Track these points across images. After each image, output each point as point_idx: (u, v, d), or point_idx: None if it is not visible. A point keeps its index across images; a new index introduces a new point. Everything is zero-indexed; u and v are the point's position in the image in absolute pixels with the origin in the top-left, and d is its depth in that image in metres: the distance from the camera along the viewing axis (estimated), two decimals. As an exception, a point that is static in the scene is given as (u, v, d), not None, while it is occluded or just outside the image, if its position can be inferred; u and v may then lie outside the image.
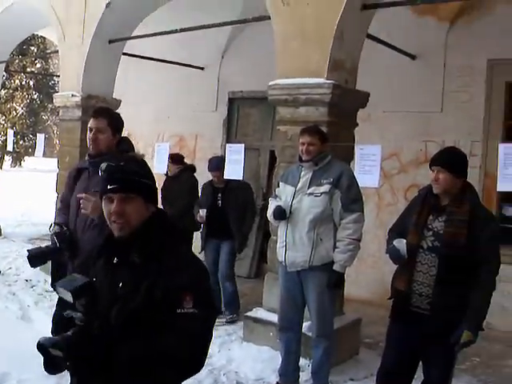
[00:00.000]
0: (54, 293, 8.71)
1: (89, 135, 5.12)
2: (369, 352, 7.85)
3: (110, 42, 10.87)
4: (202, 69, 13.67)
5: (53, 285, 5.29)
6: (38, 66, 40.42)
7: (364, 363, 7.46)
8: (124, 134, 11.09)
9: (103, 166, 3.09)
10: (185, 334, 2.75)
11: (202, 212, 8.94)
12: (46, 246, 4.96)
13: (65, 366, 2.80)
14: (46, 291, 10.04)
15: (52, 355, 2.71)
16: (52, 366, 2.81)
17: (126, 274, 2.96)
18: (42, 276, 10.78)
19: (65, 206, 5.32)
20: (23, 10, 13.05)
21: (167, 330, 2.74)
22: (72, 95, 10.91)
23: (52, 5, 11.59)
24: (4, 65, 16.05)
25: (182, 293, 2.80)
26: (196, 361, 2.85)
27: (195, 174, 10.01)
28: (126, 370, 2.74)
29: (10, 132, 13.87)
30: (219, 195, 9.17)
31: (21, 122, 40.76)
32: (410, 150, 10.25)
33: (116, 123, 5.17)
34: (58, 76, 38.67)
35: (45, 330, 7.65)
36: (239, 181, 8.75)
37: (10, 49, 16.01)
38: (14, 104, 39.87)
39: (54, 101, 11.93)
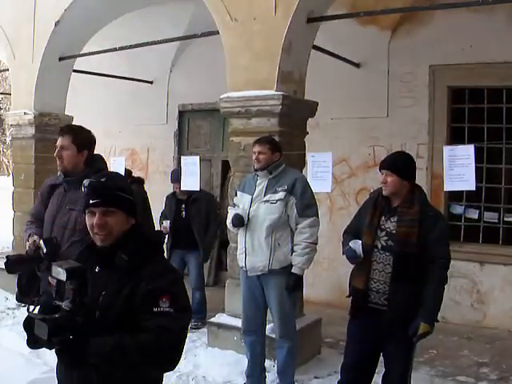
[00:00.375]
0: (17, 310, 8.77)
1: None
2: (330, 351, 8.09)
3: (61, 59, 10.95)
4: (151, 83, 13.79)
5: (20, 298, 5.33)
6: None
7: (327, 362, 7.69)
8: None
9: (86, 181, 3.29)
10: (160, 329, 2.95)
11: (166, 223, 9.10)
12: (26, 254, 4.98)
13: (45, 346, 2.97)
14: (8, 308, 10.06)
15: (36, 335, 2.92)
16: (34, 343, 3.00)
17: (107, 281, 3.17)
18: (1, 294, 10.79)
19: (37, 219, 5.39)
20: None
21: (144, 327, 2.96)
22: (25, 113, 10.97)
23: (0, 24, 11.66)
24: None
25: (159, 294, 3.02)
26: (170, 356, 3.05)
27: (146, 186, 10.05)
28: (104, 361, 2.95)
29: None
30: (183, 206, 9.34)
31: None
32: (358, 154, 10.57)
33: (80, 140, 5.21)
34: (4, 94, 38.24)
35: (12, 346, 7.82)
36: (202, 192, 8.98)
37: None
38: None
39: (6, 119, 12.00)
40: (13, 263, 4.69)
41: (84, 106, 13.22)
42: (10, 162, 58.01)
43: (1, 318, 9.62)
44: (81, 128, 5.41)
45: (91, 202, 3.21)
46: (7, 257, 4.70)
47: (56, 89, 11.21)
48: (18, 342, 8.22)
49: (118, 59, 12.56)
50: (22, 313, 9.68)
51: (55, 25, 10.55)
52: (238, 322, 7.25)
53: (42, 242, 4.83)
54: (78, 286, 3.09)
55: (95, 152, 5.43)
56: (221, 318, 8.02)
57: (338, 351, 7.69)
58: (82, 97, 13.57)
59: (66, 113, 11.45)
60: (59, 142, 5.21)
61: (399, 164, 5.42)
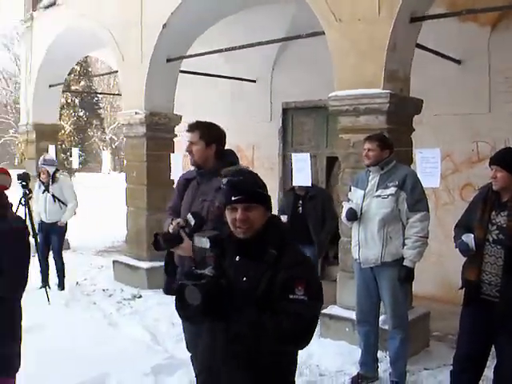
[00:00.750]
0: (132, 300, 9.21)
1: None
2: (439, 344, 8.19)
3: (168, 60, 11.41)
4: (254, 81, 14.11)
5: (168, 290, 5.49)
6: (82, 83, 41.10)
7: (435, 354, 7.80)
8: (184, 148, 11.65)
9: (224, 179, 3.58)
10: (295, 316, 3.22)
11: (284, 218, 9.31)
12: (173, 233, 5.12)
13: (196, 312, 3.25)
14: (124, 299, 10.57)
15: (186, 302, 3.24)
16: (184, 309, 3.30)
17: (248, 269, 3.44)
18: (117, 285, 11.43)
19: (174, 212, 5.61)
20: (79, 33, 13.76)
21: (280, 312, 3.24)
22: (136, 113, 11.45)
23: (108, 28, 12.19)
24: (62, 86, 16.67)
25: (296, 282, 3.27)
26: (302, 340, 3.33)
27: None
28: (243, 339, 3.30)
29: (75, 150, 14.40)
30: (300, 202, 9.49)
31: (69, 139, 41.37)
32: (462, 150, 10.58)
33: (208, 135, 5.42)
34: (102, 94, 39.33)
35: (131, 334, 8.24)
36: (320, 188, 9.18)
37: (67, 71, 16.70)
38: (62, 122, 40.21)
39: (118, 119, 12.55)
40: (161, 240, 4.94)
41: (191, 105, 13.57)
42: (110, 159, 59.86)
43: (118, 307, 10.06)
44: (208, 124, 5.58)
45: (233, 198, 3.46)
46: (156, 234, 4.95)
47: (164, 89, 11.68)
48: (137, 329, 8.71)
49: (222, 59, 12.96)
50: (138, 303, 10.22)
51: (162, 28, 10.96)
52: (350, 314, 7.55)
53: (189, 215, 5.05)
54: (219, 252, 3.43)
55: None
56: (332, 310, 8.22)
57: (447, 345, 7.90)
58: (189, 96, 13.96)
59: (174, 112, 11.89)
60: (188, 137, 5.49)
61: (509, 160, 5.49)
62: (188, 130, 5.51)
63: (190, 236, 4.83)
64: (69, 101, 41.89)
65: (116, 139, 63.01)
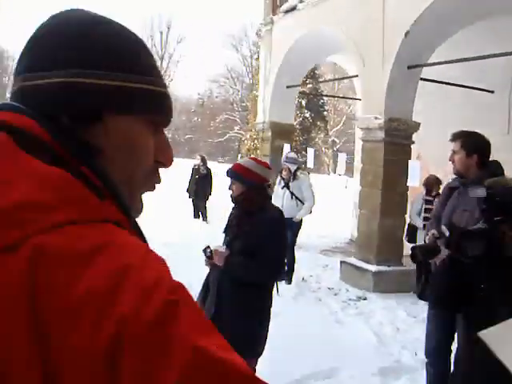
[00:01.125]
0: (357, 301, 9.38)
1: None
2: None
3: (409, 67, 11.46)
4: (492, 92, 13.86)
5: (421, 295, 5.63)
6: (309, 85, 42.06)
7: None
8: (415, 155, 11.59)
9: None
10: None
11: None
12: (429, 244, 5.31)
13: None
14: (350, 299, 10.73)
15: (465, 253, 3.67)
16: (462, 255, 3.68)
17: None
18: (342, 285, 11.67)
19: (436, 220, 5.76)
20: (318, 38, 14.29)
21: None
22: (375, 118, 11.60)
23: (350, 34, 12.52)
24: (298, 88, 17.23)
25: None
26: None
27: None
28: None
29: (310, 150, 14.76)
30: None
31: (295, 139, 42.54)
32: None
33: (469, 145, 5.48)
34: (328, 96, 39.79)
35: (357, 333, 8.36)
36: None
37: (303, 73, 17.27)
38: (289, 122, 41.63)
39: (357, 123, 12.79)
40: (419, 252, 5.08)
41: (422, 113, 13.58)
42: (331, 161, 60.68)
43: (343, 306, 10.24)
44: (471, 133, 5.68)
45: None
46: (413, 247, 5.11)
47: (404, 96, 11.72)
48: (363, 330, 8.88)
49: (459, 68, 12.83)
50: (363, 304, 10.39)
51: (405, 36, 11.05)
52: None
53: (443, 226, 5.19)
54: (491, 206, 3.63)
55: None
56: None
57: None
58: (422, 104, 13.96)
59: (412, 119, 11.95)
60: (452, 146, 5.62)
61: None
62: (451, 140, 5.65)
63: (446, 247, 4.97)
64: (295, 102, 43.14)
65: (337, 141, 63.71)
